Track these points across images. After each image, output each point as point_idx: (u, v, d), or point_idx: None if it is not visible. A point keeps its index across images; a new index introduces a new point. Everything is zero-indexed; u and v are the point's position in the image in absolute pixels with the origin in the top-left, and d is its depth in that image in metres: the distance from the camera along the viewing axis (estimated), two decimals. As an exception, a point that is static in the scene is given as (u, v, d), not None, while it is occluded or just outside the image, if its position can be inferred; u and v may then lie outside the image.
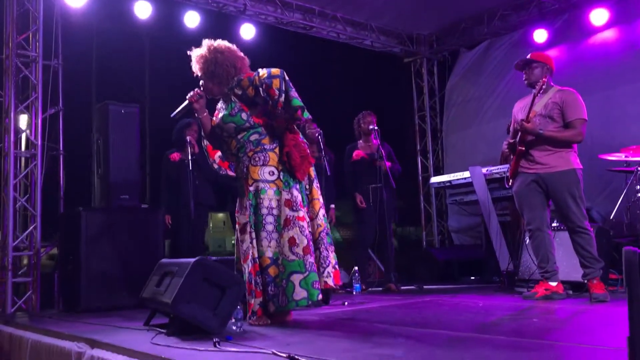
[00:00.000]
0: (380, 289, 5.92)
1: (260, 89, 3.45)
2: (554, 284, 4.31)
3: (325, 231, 3.57)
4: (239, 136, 3.54)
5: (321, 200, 3.64)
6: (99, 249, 4.79)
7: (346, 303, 4.54)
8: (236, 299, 3.15)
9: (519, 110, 4.54)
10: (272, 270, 3.39)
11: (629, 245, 1.59)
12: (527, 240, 4.74)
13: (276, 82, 3.41)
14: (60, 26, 5.83)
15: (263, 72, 3.48)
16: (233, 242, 3.68)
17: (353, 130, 6.27)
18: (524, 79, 4.51)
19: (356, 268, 5.64)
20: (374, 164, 5.88)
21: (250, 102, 3.53)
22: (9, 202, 5.15)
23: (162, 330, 3.20)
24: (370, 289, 5.93)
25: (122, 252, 4.88)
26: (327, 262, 3.51)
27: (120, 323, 3.72)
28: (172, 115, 3.71)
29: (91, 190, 5.37)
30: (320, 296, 3.39)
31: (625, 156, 5.49)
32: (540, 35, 7.54)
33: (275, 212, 3.45)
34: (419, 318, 3.69)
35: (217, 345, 2.64)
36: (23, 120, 5.55)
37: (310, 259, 3.39)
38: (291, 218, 3.41)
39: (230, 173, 3.75)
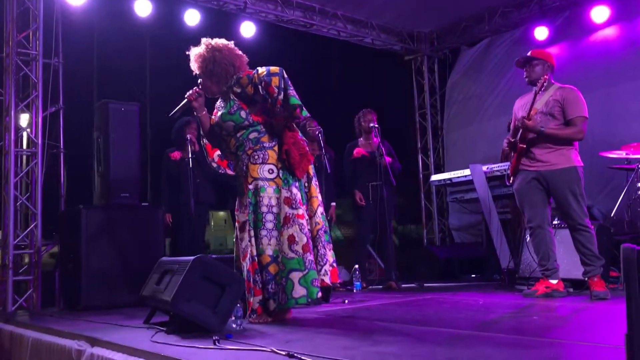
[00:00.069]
0: (381, 286, 5.92)
1: (260, 86, 3.45)
2: (554, 281, 4.30)
3: (323, 229, 3.57)
4: (238, 134, 3.54)
5: (320, 198, 3.64)
6: (99, 247, 4.80)
7: (346, 301, 4.54)
8: (236, 297, 3.15)
9: (519, 107, 4.53)
10: (272, 268, 3.40)
11: (631, 243, 1.58)
12: (528, 238, 4.74)
13: (275, 80, 3.40)
14: (61, 24, 5.84)
15: (262, 70, 3.48)
16: (234, 240, 3.68)
17: (353, 128, 6.26)
18: (524, 76, 4.50)
19: (357, 266, 5.64)
20: (374, 161, 5.87)
21: (249, 100, 3.53)
22: (10, 201, 5.16)
23: (162, 328, 3.20)
24: (370, 286, 5.93)
25: (123, 250, 4.88)
26: (325, 260, 3.51)
27: (120, 321, 3.72)
28: (171, 114, 3.72)
29: (92, 189, 5.37)
30: (319, 294, 3.39)
31: (626, 154, 5.48)
32: (541, 33, 7.53)
33: (275, 210, 3.45)
34: (420, 316, 3.69)
35: (217, 343, 2.64)
36: (24, 118, 5.55)
37: (310, 257, 3.39)
38: (291, 216, 3.41)
39: (229, 172, 3.75)
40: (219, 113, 3.63)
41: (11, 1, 5.40)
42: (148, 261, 4.08)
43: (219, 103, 3.73)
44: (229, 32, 7.14)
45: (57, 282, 5.36)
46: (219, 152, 3.76)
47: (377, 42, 8.60)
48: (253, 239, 3.44)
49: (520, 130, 4.35)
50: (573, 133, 4.24)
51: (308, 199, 3.59)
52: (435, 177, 7.02)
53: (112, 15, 7.17)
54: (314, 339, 2.85)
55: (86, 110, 6.05)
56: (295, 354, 2.29)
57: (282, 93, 3.42)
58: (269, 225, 3.43)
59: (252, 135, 3.52)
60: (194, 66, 3.62)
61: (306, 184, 3.61)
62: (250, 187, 3.48)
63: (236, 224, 3.60)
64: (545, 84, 4.29)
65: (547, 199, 4.40)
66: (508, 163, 4.70)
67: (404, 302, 4.46)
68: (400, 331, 3.03)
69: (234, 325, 3.12)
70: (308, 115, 3.57)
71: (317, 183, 3.67)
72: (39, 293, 5.21)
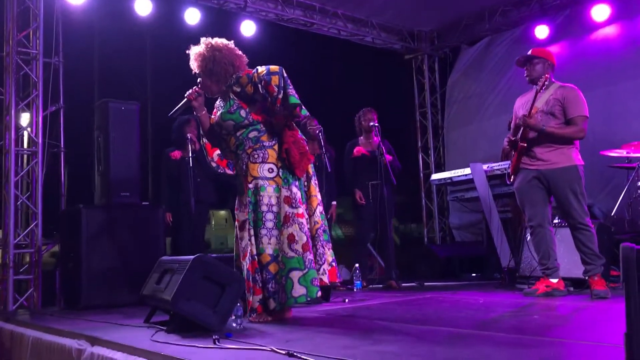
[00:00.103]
0: (381, 285, 5.92)
1: (259, 85, 3.45)
2: (554, 280, 4.30)
3: (322, 228, 3.57)
4: (238, 133, 3.54)
5: (319, 197, 3.64)
6: (99, 247, 4.80)
7: (347, 300, 4.54)
8: (236, 296, 3.15)
9: (520, 106, 4.53)
10: (272, 268, 3.40)
11: (631, 242, 1.58)
12: (528, 237, 4.73)
13: (275, 79, 3.40)
14: (61, 23, 5.84)
15: (262, 69, 3.48)
16: (234, 239, 3.68)
17: (354, 127, 6.26)
18: (525, 75, 4.49)
19: (357, 265, 5.63)
20: (374, 160, 5.86)
21: (249, 99, 3.53)
22: (10, 200, 5.16)
23: (162, 328, 3.20)
24: (371, 285, 5.92)
25: (123, 249, 4.89)
26: (323, 259, 3.52)
27: (120, 320, 3.72)
28: (171, 114, 3.72)
29: (93, 188, 5.37)
30: (319, 293, 3.39)
31: (627, 152, 5.48)
32: (541, 31, 7.52)
33: (275, 209, 3.45)
34: (420, 315, 3.69)
35: (217, 343, 2.64)
36: (24, 117, 5.56)
37: (310, 256, 3.39)
38: (290, 215, 3.41)
39: (228, 171, 3.75)
40: (219, 112, 3.63)
41: (11, 0, 5.40)
42: (148, 260, 4.08)
43: (218, 102, 3.73)
44: (229, 31, 7.13)
45: (58, 281, 5.36)
46: (218, 151, 3.76)
47: (378, 41, 8.59)
48: (253, 238, 3.44)
49: (521, 129, 4.34)
50: (574, 132, 4.24)
51: (307, 197, 3.59)
52: (435, 176, 7.02)
53: (112, 14, 7.17)
54: (314, 338, 2.85)
55: (87, 109, 6.05)
56: (295, 353, 2.29)
57: (282, 92, 3.41)
58: (269, 224, 3.43)
59: (252, 134, 3.52)
60: (194, 65, 3.62)
61: (305, 183, 3.61)
62: (250, 186, 3.48)
63: (236, 223, 3.60)
64: (546, 82, 4.28)
65: (547, 198, 4.40)
66: (508, 162, 4.69)
67: (404, 301, 4.46)
68: (400, 330, 3.03)
69: (234, 325, 3.12)
70: (308, 114, 3.57)
71: (316, 182, 3.67)
72: (39, 292, 5.21)
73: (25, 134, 5.51)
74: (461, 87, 8.85)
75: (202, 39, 3.62)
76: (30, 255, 5.32)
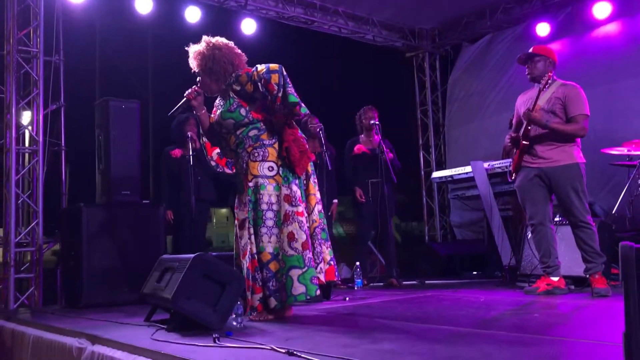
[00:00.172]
0: (382, 284, 5.91)
1: (259, 84, 3.44)
2: (555, 278, 4.29)
3: (320, 227, 3.57)
4: (238, 132, 3.53)
5: (318, 195, 3.64)
6: (100, 245, 4.80)
7: (347, 298, 4.54)
8: (236, 295, 3.15)
9: (522, 103, 4.51)
10: (273, 266, 3.40)
11: (632, 240, 1.58)
12: (529, 235, 4.73)
13: (275, 77, 3.40)
14: (61, 22, 5.84)
15: (261, 67, 3.47)
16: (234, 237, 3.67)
17: (354, 125, 6.26)
18: (526, 73, 4.47)
19: (358, 263, 5.63)
20: (375, 158, 5.86)
21: (248, 97, 3.53)
22: (11, 198, 5.17)
23: (163, 326, 3.20)
24: (372, 284, 5.92)
25: (123, 248, 4.89)
26: (320, 258, 3.52)
27: (121, 319, 3.72)
28: (170, 113, 3.72)
29: (94, 187, 5.37)
30: (317, 291, 3.40)
31: (628, 150, 5.47)
32: (543, 29, 7.51)
33: (275, 207, 3.45)
34: (420, 313, 3.68)
35: (217, 341, 2.64)
36: (25, 116, 5.56)
37: (309, 255, 3.39)
38: (290, 213, 3.41)
39: (228, 170, 3.75)
40: (219, 111, 3.63)
41: (12, -1, 5.41)
42: (149, 259, 4.08)
43: (217, 101, 3.72)
44: (230, 29, 7.14)
45: (59, 279, 5.37)
46: (217, 150, 3.76)
47: (379, 39, 8.58)
48: (253, 237, 3.44)
49: (523, 126, 4.33)
50: (575, 129, 4.23)
51: (306, 196, 3.59)
52: (436, 174, 7.01)
53: (113, 12, 7.18)
54: (314, 336, 2.85)
55: (87, 107, 6.06)
56: (295, 352, 2.29)
57: (282, 90, 3.41)
58: (269, 223, 3.43)
59: (252, 133, 3.51)
60: (193, 64, 3.62)
61: (305, 182, 3.61)
62: (250, 184, 3.47)
63: (236, 221, 3.60)
64: (549, 81, 4.27)
65: (548, 196, 4.39)
66: (509, 160, 4.69)
67: (405, 300, 4.46)
68: (400, 329, 3.02)
69: (234, 323, 3.12)
70: (308, 112, 3.57)
71: (315, 180, 3.66)
72: (40, 291, 5.22)
73: (26, 132, 5.51)
74: (462, 85, 8.85)
75: (203, 38, 3.61)
76: (31, 254, 5.32)
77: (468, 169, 6.21)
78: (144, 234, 5.03)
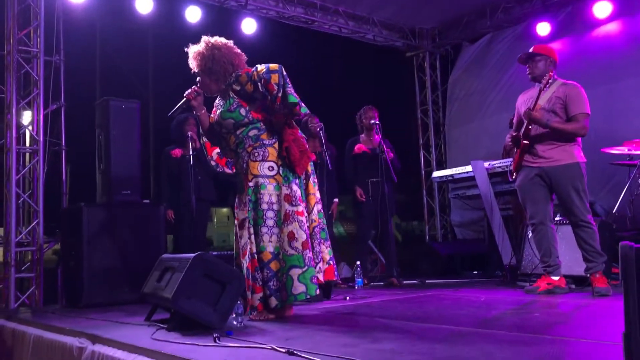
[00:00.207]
0: (382, 283, 5.91)
1: (259, 84, 3.44)
2: (556, 278, 4.29)
3: (319, 226, 3.57)
4: (238, 132, 3.53)
5: (318, 195, 3.64)
6: (100, 245, 4.81)
7: (348, 298, 4.54)
8: (236, 294, 3.15)
9: (522, 103, 4.51)
10: (273, 265, 3.40)
11: (633, 239, 1.58)
12: (530, 234, 4.73)
13: (275, 77, 3.40)
14: (62, 22, 5.84)
15: (261, 67, 3.47)
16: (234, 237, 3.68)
17: (355, 125, 6.26)
18: (527, 72, 4.46)
19: (358, 263, 5.63)
20: (375, 158, 5.85)
21: (248, 97, 3.53)
22: (12, 198, 5.17)
23: (163, 326, 3.20)
24: (372, 283, 5.92)
25: (124, 247, 4.89)
26: (319, 257, 3.52)
27: (121, 318, 3.72)
28: (170, 113, 3.73)
29: (95, 186, 5.38)
30: (317, 291, 3.41)
31: (628, 150, 5.46)
32: (543, 28, 7.50)
33: (275, 207, 3.45)
34: (421, 313, 3.68)
35: (217, 341, 2.64)
36: (26, 116, 5.57)
37: (309, 254, 3.40)
38: (290, 213, 3.41)
39: (227, 170, 3.75)
40: (218, 111, 3.63)
41: (12, -2, 5.41)
42: (149, 258, 4.08)
43: (217, 101, 3.72)
44: (230, 28, 7.15)
45: (60, 279, 5.37)
46: (217, 150, 3.76)
47: (379, 39, 8.58)
48: (253, 236, 3.44)
49: (524, 125, 4.32)
50: (576, 128, 4.22)
51: (305, 196, 3.59)
52: (437, 174, 7.01)
53: (113, 12, 7.18)
54: (315, 336, 2.85)
55: (88, 107, 6.07)
56: (296, 351, 2.29)
57: (281, 90, 3.41)
58: (270, 223, 3.43)
59: (252, 133, 3.51)
60: (193, 64, 3.62)
61: (304, 181, 3.60)
62: (251, 184, 3.48)
63: (235, 221, 3.60)
64: (550, 81, 4.26)
65: (549, 196, 4.39)
66: (510, 159, 4.69)
67: (405, 299, 4.46)
68: (401, 328, 3.02)
69: (234, 323, 3.12)
70: (308, 111, 3.57)
71: (315, 180, 3.66)
72: (41, 290, 5.22)
73: (27, 132, 5.51)
74: (463, 85, 8.84)
75: (202, 38, 3.61)
76: (32, 254, 5.33)
77: (468, 168, 6.21)
78: (145, 234, 5.03)
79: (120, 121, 5.09)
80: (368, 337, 2.73)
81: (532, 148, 4.34)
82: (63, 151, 5.85)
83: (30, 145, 5.52)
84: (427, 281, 5.98)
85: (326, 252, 3.58)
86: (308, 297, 3.38)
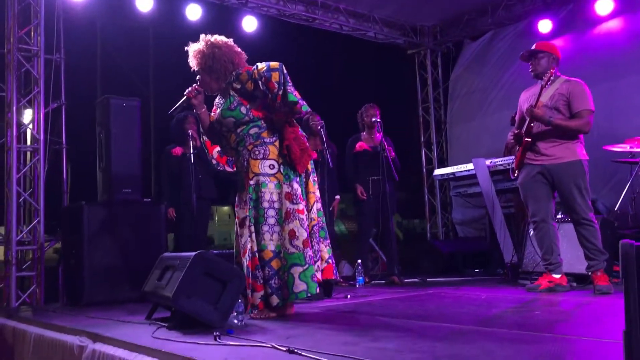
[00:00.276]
0: (384, 281, 5.91)
1: (260, 82, 3.44)
2: (557, 276, 4.29)
3: (318, 225, 3.57)
4: (239, 130, 3.53)
5: (317, 194, 3.64)
6: (101, 243, 4.81)
7: (348, 296, 4.54)
8: (237, 293, 3.15)
9: (525, 100, 4.50)
10: (275, 263, 3.40)
11: (635, 237, 1.57)
12: (531, 232, 4.72)
13: (275, 76, 3.39)
14: (62, 20, 5.84)
15: (262, 65, 3.46)
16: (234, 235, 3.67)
17: (356, 123, 6.25)
18: (530, 70, 4.45)
19: (359, 261, 5.63)
20: (376, 156, 5.84)
21: (249, 96, 3.52)
22: (12, 197, 5.17)
23: (164, 324, 3.20)
24: (373, 281, 5.92)
25: (125, 246, 4.89)
26: (318, 256, 3.52)
27: (122, 317, 3.72)
28: (170, 111, 3.72)
29: (96, 185, 5.38)
30: (318, 289, 3.41)
31: (630, 147, 5.45)
32: (544, 26, 7.49)
33: (276, 205, 3.45)
34: (421, 311, 3.68)
35: (218, 339, 2.64)
36: (26, 114, 5.57)
37: (310, 252, 3.40)
38: (291, 211, 3.41)
39: (228, 168, 3.75)
40: (219, 109, 3.62)
41: (12, -3, 5.41)
42: (150, 257, 4.08)
43: (218, 100, 3.72)
44: (231, 26, 7.14)
45: (60, 277, 5.37)
46: (218, 148, 3.76)
47: (380, 36, 8.57)
48: (253, 235, 3.43)
49: (526, 122, 4.31)
50: (580, 125, 4.20)
51: (305, 194, 3.58)
52: (438, 172, 7.00)
53: (114, 10, 7.17)
54: (315, 334, 2.84)
55: (89, 106, 6.08)
56: (296, 350, 2.29)
57: (282, 88, 3.41)
58: (271, 221, 3.43)
59: (253, 131, 3.51)
60: (193, 63, 3.61)
61: (304, 180, 3.60)
62: (252, 182, 3.47)
63: (236, 220, 3.60)
64: (551, 78, 4.25)
65: (551, 193, 4.38)
66: (511, 157, 4.68)
67: (406, 297, 4.45)
68: (401, 326, 3.02)
69: (235, 321, 3.12)
70: (309, 109, 3.57)
71: (315, 179, 3.66)
72: (42, 289, 5.22)
73: (28, 130, 5.51)
74: (464, 82, 8.83)
75: (202, 36, 3.61)
76: (32, 252, 5.33)
77: (470, 166, 6.20)
78: (145, 232, 5.03)
79: (120, 119, 5.08)
80: (369, 335, 2.73)
81: (534, 145, 4.33)
82: (64, 150, 5.85)
83: (31, 143, 5.52)
84: (428, 279, 5.97)
85: (325, 250, 3.58)
86: (309, 295, 3.38)
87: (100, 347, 2.97)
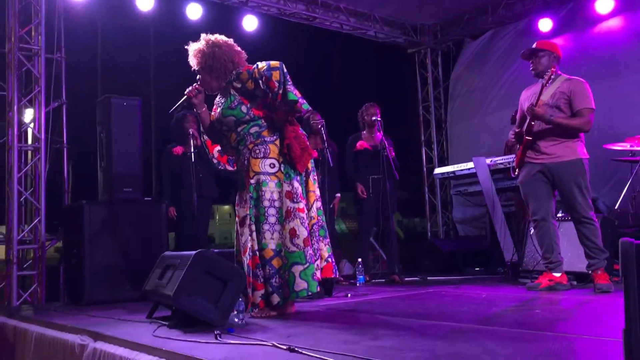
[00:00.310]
0: (384, 280, 5.91)
1: (260, 81, 3.44)
2: (557, 274, 4.29)
3: (318, 224, 3.57)
4: (239, 129, 3.53)
5: (317, 192, 3.64)
6: (102, 242, 4.81)
7: (349, 295, 4.54)
8: (237, 292, 3.16)
9: (526, 98, 4.49)
10: (275, 262, 3.40)
11: (635, 236, 1.57)
12: (532, 231, 4.72)
13: (276, 75, 3.40)
14: (63, 19, 5.84)
15: (262, 64, 3.47)
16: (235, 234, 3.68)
17: (356, 122, 6.25)
18: (531, 68, 4.44)
19: (360, 260, 5.63)
20: (377, 155, 5.85)
21: (249, 95, 3.52)
22: (14, 196, 5.17)
23: (165, 323, 3.21)
24: (374, 280, 5.92)
25: (125, 245, 4.90)
26: (317, 255, 3.53)
27: (123, 316, 3.73)
28: (171, 111, 3.73)
29: (97, 184, 5.38)
30: (318, 288, 3.41)
31: (630, 146, 5.45)
32: (545, 24, 7.49)
33: (277, 204, 3.45)
34: (422, 309, 3.68)
35: (218, 338, 2.64)
36: (27, 114, 5.57)
37: (310, 251, 3.41)
38: (292, 210, 3.41)
39: (229, 167, 3.75)
40: (219, 109, 3.62)
41: (13, -4, 5.41)
42: (151, 256, 4.09)
43: (218, 99, 3.72)
44: (231, 25, 7.15)
45: (62, 277, 5.38)
46: (219, 147, 3.76)
47: (380, 35, 8.57)
48: (254, 234, 3.44)
49: (527, 121, 4.31)
50: (581, 124, 4.20)
51: (305, 193, 3.58)
52: (438, 170, 7.00)
53: (114, 9, 7.18)
54: (316, 333, 2.85)
55: (90, 105, 6.09)
56: (296, 348, 2.29)
57: (282, 88, 3.41)
58: (272, 220, 3.43)
59: (253, 130, 3.51)
60: (193, 62, 3.61)
61: (304, 178, 3.60)
62: (252, 181, 3.48)
63: (236, 218, 3.60)
64: (552, 77, 4.25)
65: (551, 192, 4.38)
66: (511, 156, 4.68)
67: (407, 296, 4.45)
68: (402, 325, 3.02)
69: (236, 320, 3.12)
70: (310, 108, 3.57)
71: (315, 178, 3.66)
72: (43, 288, 5.23)
73: (29, 130, 5.52)
74: (464, 81, 8.83)
75: (202, 35, 3.61)
76: (33, 251, 5.33)
77: (470, 165, 6.19)
78: (146, 231, 5.03)
79: (121, 119, 5.09)
80: (369, 334, 2.73)
81: (535, 144, 4.33)
82: (65, 149, 5.85)
83: (32, 143, 5.52)
84: (428, 278, 5.97)
85: (324, 249, 3.58)
86: (310, 293, 3.39)
87: (101, 345, 2.98)
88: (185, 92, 3.60)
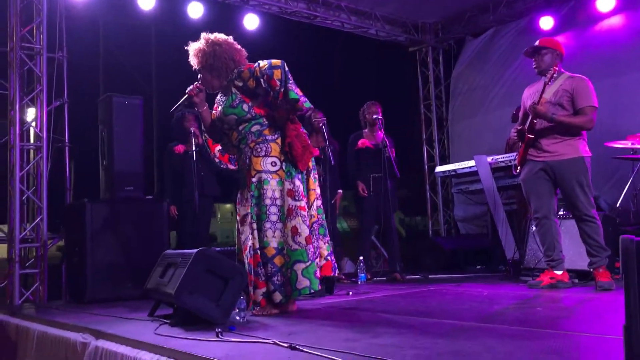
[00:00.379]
0: (385, 278, 5.92)
1: (262, 80, 3.44)
2: (559, 272, 4.29)
3: (318, 222, 3.58)
4: (241, 127, 3.53)
5: (318, 191, 3.64)
6: (104, 241, 4.83)
7: (350, 293, 4.55)
8: (239, 290, 3.16)
9: (528, 96, 4.49)
10: (278, 260, 3.41)
11: (636, 233, 1.58)
12: (533, 229, 4.72)
13: (277, 73, 3.40)
14: (64, 18, 5.84)
15: (264, 63, 3.47)
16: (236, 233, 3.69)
17: (358, 120, 6.25)
18: (534, 66, 4.43)
19: (361, 258, 5.64)
20: (378, 153, 5.85)
21: (251, 93, 3.53)
22: (16, 194, 5.18)
23: (166, 321, 3.22)
24: (375, 278, 5.93)
25: (127, 243, 4.91)
26: (317, 253, 3.53)
27: (124, 314, 3.74)
28: (172, 110, 3.73)
29: (98, 183, 5.39)
30: (319, 286, 3.42)
31: (632, 144, 5.44)
32: (546, 22, 7.48)
33: (278, 202, 3.46)
34: (423, 307, 3.69)
35: (220, 336, 2.65)
36: (29, 112, 5.58)
37: (312, 249, 3.41)
38: (293, 208, 3.42)
39: (231, 166, 3.76)
40: (221, 107, 3.63)
41: (15, -5, 5.41)
42: (152, 254, 4.10)
43: (219, 98, 3.72)
44: (233, 24, 7.15)
45: (64, 275, 5.39)
46: (220, 146, 3.76)
47: (382, 34, 8.56)
48: (255, 232, 3.44)
49: (529, 119, 4.31)
50: (583, 122, 4.20)
51: (306, 191, 3.59)
52: (439, 169, 6.99)
53: (116, 8, 7.19)
54: (317, 331, 2.85)
55: (91, 104, 6.09)
56: (298, 346, 2.30)
57: (284, 86, 3.41)
58: (273, 218, 3.43)
59: (255, 128, 3.52)
60: (194, 61, 3.61)
61: (305, 177, 3.61)
62: (254, 179, 3.48)
63: (237, 217, 3.60)
64: (555, 75, 4.24)
65: (553, 190, 4.38)
66: (513, 154, 4.67)
67: (408, 294, 4.46)
68: (403, 323, 3.03)
69: (237, 318, 3.13)
70: (311, 106, 3.57)
71: (316, 176, 3.67)
72: (45, 286, 5.24)
73: (31, 129, 5.53)
74: (466, 79, 8.82)
75: (202, 34, 3.61)
76: (35, 250, 5.34)
77: (472, 163, 6.19)
78: (148, 230, 5.04)
79: (123, 117, 5.09)
80: (370, 332, 2.74)
81: (537, 142, 4.32)
82: (66, 148, 5.86)
83: (34, 141, 5.53)
84: (430, 276, 5.98)
85: (324, 247, 3.59)
86: (312, 291, 3.40)
87: (103, 344, 2.98)
88: (187, 91, 3.61)
